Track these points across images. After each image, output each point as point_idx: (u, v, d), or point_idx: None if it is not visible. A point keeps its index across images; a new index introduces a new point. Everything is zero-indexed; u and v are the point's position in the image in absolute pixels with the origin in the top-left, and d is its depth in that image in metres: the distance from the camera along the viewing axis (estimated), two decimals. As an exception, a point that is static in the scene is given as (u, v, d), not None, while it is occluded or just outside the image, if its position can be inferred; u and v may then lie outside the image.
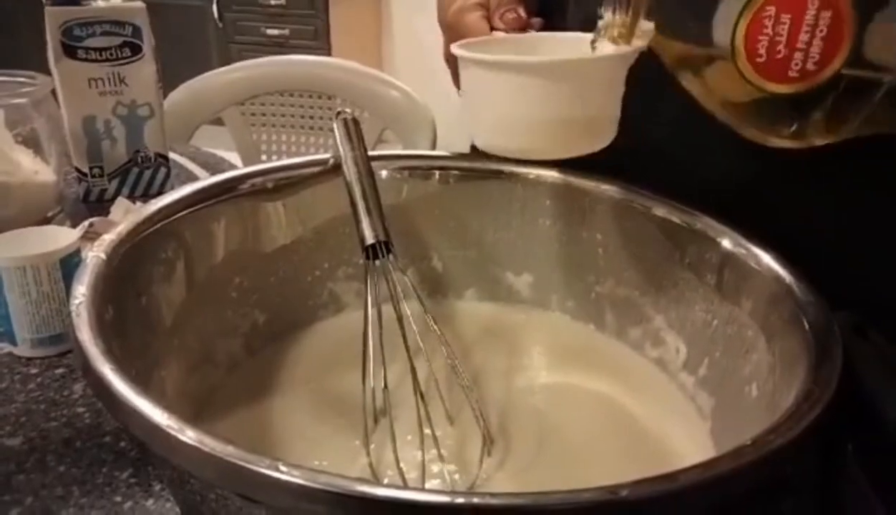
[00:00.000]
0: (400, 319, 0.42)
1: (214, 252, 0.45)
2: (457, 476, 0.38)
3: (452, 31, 0.51)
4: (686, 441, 0.41)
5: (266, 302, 0.47)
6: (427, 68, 1.69)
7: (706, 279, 0.43)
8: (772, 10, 0.35)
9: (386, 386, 0.40)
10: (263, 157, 1.21)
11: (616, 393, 0.44)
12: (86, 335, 0.32)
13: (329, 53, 2.47)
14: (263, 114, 1.20)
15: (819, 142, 0.38)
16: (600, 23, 0.42)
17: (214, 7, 2.55)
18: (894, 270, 0.44)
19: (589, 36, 0.43)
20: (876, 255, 0.44)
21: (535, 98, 0.42)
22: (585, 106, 0.43)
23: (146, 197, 0.74)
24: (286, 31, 2.53)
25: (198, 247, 0.44)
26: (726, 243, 0.42)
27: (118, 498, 0.39)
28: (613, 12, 0.41)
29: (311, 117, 1.22)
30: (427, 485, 0.37)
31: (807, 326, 0.35)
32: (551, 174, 0.49)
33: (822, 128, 0.37)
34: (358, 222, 0.44)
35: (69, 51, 0.68)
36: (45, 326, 0.50)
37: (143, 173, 0.74)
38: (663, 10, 0.40)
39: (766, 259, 0.40)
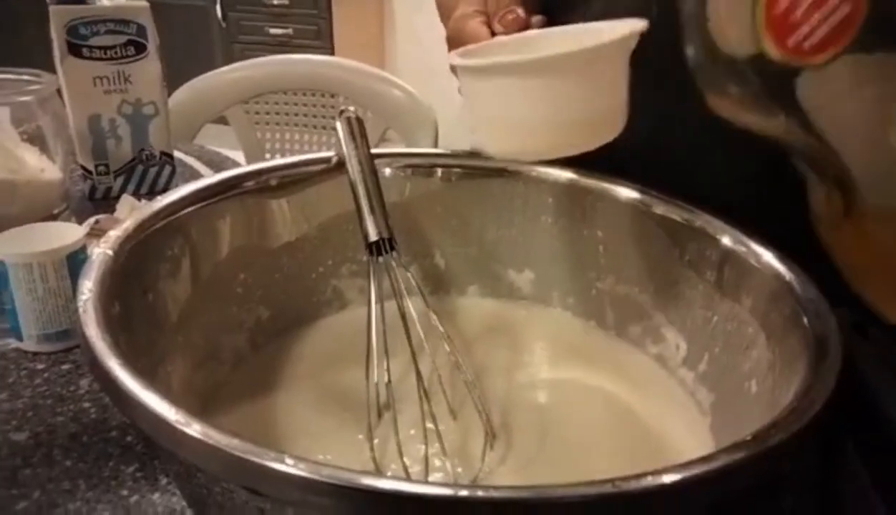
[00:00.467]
0: (403, 316, 0.42)
1: (219, 249, 0.45)
2: (459, 471, 0.38)
3: (454, 40, 0.51)
4: (686, 436, 0.41)
5: (270, 299, 0.48)
6: (429, 67, 1.70)
7: (706, 276, 0.43)
8: None
9: (389, 381, 0.40)
10: (267, 156, 1.22)
11: (617, 389, 0.44)
12: (93, 330, 0.32)
13: (332, 53, 2.47)
14: (267, 113, 1.20)
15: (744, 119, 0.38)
16: None
17: (218, 7, 2.56)
18: None
19: (593, 25, 0.42)
20: None
21: (532, 98, 0.40)
22: (586, 100, 0.41)
23: (151, 195, 0.75)
24: (289, 31, 2.53)
25: (203, 244, 0.44)
26: (726, 240, 0.43)
27: (124, 492, 0.39)
28: None
29: (314, 116, 1.22)
30: (430, 479, 0.37)
31: (807, 323, 0.36)
32: (553, 172, 0.49)
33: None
34: (362, 219, 0.44)
35: (74, 49, 0.69)
36: (52, 322, 0.50)
37: (148, 171, 0.75)
38: None
39: (767, 256, 0.40)
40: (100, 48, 0.69)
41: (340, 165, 0.47)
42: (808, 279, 0.38)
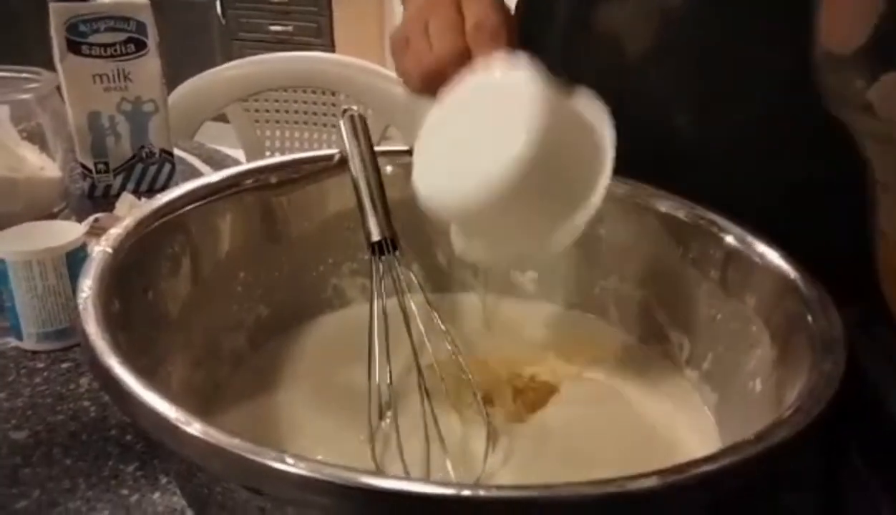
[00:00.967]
0: (405, 314, 0.42)
1: (220, 247, 0.45)
2: (461, 471, 0.38)
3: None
4: (690, 435, 0.41)
5: (271, 297, 0.47)
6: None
7: (710, 275, 0.43)
8: None
9: (391, 380, 0.40)
10: (267, 153, 1.21)
11: (620, 388, 0.44)
12: (93, 329, 0.32)
13: (332, 50, 2.46)
14: (267, 111, 1.20)
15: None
16: None
17: (218, 4, 2.55)
18: None
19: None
20: None
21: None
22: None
23: (151, 193, 0.75)
24: (289, 28, 2.53)
25: (203, 242, 0.44)
26: (730, 239, 0.42)
27: (125, 491, 0.39)
28: None
29: (315, 113, 1.22)
30: (431, 479, 0.37)
31: (811, 322, 0.36)
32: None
33: None
34: (364, 219, 0.44)
35: (74, 47, 0.68)
36: (51, 320, 0.50)
37: (148, 169, 0.75)
38: None
39: (771, 255, 0.40)
40: (100, 45, 0.69)
41: (342, 163, 0.47)
42: (813, 278, 0.38)
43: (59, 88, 0.69)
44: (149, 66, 0.71)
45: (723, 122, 0.47)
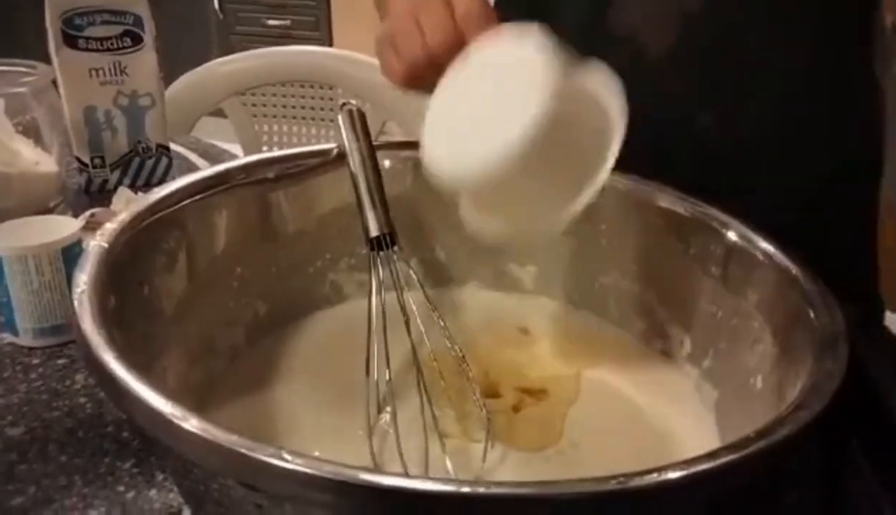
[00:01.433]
0: (404, 310, 0.42)
1: (216, 242, 0.45)
2: (460, 467, 0.38)
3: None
4: (690, 431, 0.41)
5: (267, 293, 0.47)
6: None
7: (711, 271, 0.43)
8: None
9: (389, 376, 0.39)
10: (265, 148, 1.21)
11: (620, 384, 0.44)
12: (88, 324, 0.32)
13: (330, 44, 2.46)
14: (264, 105, 1.19)
15: None
16: None
17: (215, -2, 2.54)
18: None
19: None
20: None
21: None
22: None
23: (147, 187, 0.74)
24: (287, 22, 2.52)
25: (199, 237, 0.44)
26: (731, 235, 0.42)
27: (121, 488, 0.39)
28: None
29: (313, 108, 1.22)
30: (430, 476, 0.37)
31: (813, 318, 0.35)
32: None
33: None
34: (363, 214, 0.44)
35: (70, 40, 0.68)
36: (47, 316, 0.49)
37: (145, 164, 0.74)
38: None
39: (773, 251, 0.40)
40: (96, 39, 0.68)
41: (340, 158, 0.46)
42: (815, 274, 0.38)
43: (54, 82, 0.69)
44: (145, 60, 0.71)
45: (744, 121, 0.48)
